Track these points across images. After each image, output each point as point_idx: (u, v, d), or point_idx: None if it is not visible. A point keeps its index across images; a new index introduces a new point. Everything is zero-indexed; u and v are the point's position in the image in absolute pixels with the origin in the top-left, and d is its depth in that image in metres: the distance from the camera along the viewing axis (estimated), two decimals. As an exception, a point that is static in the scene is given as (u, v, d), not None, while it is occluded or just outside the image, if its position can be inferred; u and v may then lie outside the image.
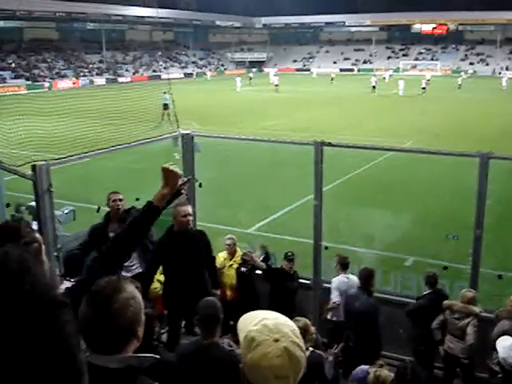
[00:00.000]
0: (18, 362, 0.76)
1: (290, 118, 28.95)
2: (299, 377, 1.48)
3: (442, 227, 9.44)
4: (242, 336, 1.51)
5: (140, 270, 5.87)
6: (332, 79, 56.58)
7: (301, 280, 6.60)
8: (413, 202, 13.05)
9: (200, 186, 6.89)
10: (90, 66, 66.75)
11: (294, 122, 26.74)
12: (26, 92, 46.78)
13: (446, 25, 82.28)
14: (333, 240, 7.95)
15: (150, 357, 1.79)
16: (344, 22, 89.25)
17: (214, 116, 28.03)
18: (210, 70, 76.57)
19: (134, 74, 68.30)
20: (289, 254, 6.43)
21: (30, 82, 53.48)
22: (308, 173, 6.57)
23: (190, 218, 5.56)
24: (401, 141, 19.59)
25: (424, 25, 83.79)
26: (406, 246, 10.30)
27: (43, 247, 2.46)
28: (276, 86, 47.31)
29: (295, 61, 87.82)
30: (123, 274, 4.88)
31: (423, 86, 43.43)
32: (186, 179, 2.49)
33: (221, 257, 6.77)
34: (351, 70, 79.09)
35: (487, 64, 74.96)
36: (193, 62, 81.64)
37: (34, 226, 5.29)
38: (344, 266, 6.38)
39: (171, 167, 2.41)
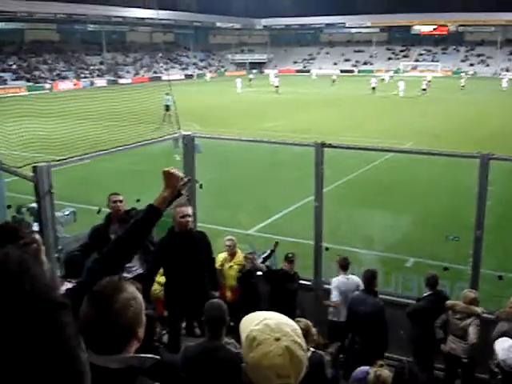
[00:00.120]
0: (17, 364, 0.76)
1: (291, 119, 28.95)
2: (301, 376, 1.48)
3: (443, 228, 9.45)
4: (243, 336, 1.52)
5: (141, 271, 5.87)
6: (333, 81, 56.37)
7: (301, 281, 6.61)
8: (413, 203, 13.04)
9: (200, 187, 6.90)
10: (91, 67, 66.81)
11: (294, 123, 26.74)
12: (27, 93, 46.86)
13: (446, 26, 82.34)
14: (333, 241, 7.95)
15: (150, 357, 1.80)
16: (344, 24, 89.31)
17: (214, 117, 28.04)
18: (210, 72, 76.61)
19: (134, 75, 68.37)
20: (289, 255, 6.44)
21: (30, 84, 53.57)
22: (308, 174, 6.58)
23: (189, 218, 5.55)
24: (401, 142, 19.60)
25: (424, 26, 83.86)
26: (407, 246, 10.30)
27: (42, 248, 2.46)
28: (276, 87, 47.30)
29: (296, 62, 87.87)
30: (124, 275, 4.89)
31: (423, 87, 43.44)
32: (186, 179, 2.50)
33: (221, 258, 6.78)
34: (351, 71, 79.10)
35: (487, 65, 74.97)
36: (193, 64, 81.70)
37: (35, 227, 5.30)
38: (344, 266, 6.39)
39: (172, 170, 2.43)
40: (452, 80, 59.37)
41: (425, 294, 5.93)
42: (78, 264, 4.93)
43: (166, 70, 70.77)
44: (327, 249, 6.72)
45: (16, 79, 55.20)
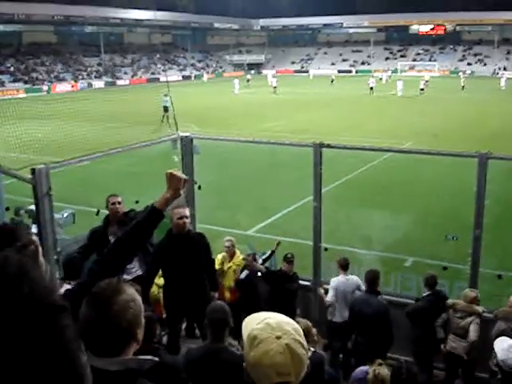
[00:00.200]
0: (18, 368, 0.75)
1: (289, 119, 28.96)
2: (301, 375, 1.48)
3: (442, 228, 9.45)
4: (245, 336, 1.52)
5: (140, 273, 5.87)
6: (332, 81, 56.45)
7: (301, 281, 6.61)
8: (412, 203, 13.04)
9: (199, 188, 6.90)
10: (89, 69, 66.78)
11: (292, 123, 26.75)
12: (25, 95, 46.88)
13: (443, 25, 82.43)
14: (332, 241, 7.95)
15: (149, 359, 1.80)
16: (342, 24, 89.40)
17: (212, 118, 28.02)
18: (208, 73, 76.62)
19: (132, 76, 68.38)
20: (288, 255, 6.44)
21: (28, 86, 53.55)
22: (307, 174, 6.58)
23: (186, 220, 5.52)
24: (400, 142, 19.60)
25: (422, 26, 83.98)
26: (406, 246, 10.31)
27: (40, 249, 2.46)
28: (274, 87, 47.35)
29: (293, 62, 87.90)
30: (123, 276, 4.88)
31: (421, 87, 43.46)
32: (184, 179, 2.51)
33: (220, 258, 6.77)
34: (349, 71, 79.16)
35: (485, 64, 75.06)
36: (191, 65, 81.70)
37: (34, 229, 5.29)
38: (344, 266, 6.38)
39: (175, 172, 2.43)
40: (450, 79, 59.45)
41: (424, 294, 5.93)
42: (76, 266, 4.93)
43: (163, 71, 70.68)
44: (326, 249, 6.72)
45: (14, 81, 55.18)
